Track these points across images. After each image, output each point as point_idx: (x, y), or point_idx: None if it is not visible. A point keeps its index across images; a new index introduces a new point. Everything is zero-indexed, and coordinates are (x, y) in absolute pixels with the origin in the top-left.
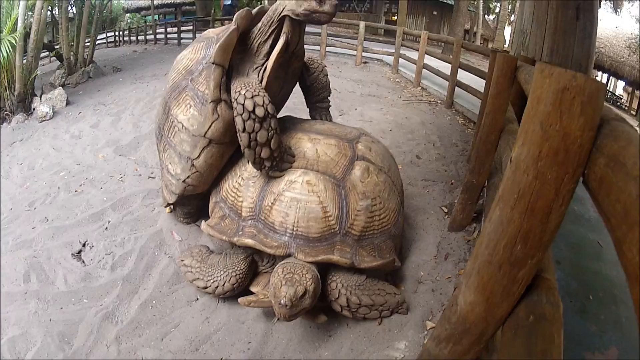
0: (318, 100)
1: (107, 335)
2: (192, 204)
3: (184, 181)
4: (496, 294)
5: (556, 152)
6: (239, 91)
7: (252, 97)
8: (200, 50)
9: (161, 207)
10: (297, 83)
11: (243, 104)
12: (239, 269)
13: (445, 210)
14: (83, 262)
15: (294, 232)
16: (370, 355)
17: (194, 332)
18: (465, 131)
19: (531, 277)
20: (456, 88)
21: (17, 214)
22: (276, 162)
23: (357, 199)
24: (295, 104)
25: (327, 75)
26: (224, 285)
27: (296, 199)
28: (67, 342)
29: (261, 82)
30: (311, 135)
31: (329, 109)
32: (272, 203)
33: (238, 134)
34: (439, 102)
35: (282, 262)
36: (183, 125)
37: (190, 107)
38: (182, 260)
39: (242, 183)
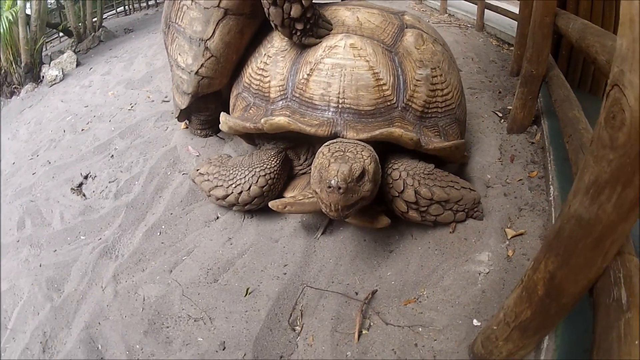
0: None
1: (103, 274)
2: (210, 108)
3: (196, 73)
4: None
5: None
6: None
7: None
8: None
9: (175, 125)
10: None
11: None
12: (268, 166)
13: (500, 115)
14: (83, 195)
15: (340, 106)
16: (446, 272)
17: (211, 258)
18: (500, 51)
19: None
20: (485, 11)
21: (19, 165)
22: (310, 26)
23: (415, 66)
24: None
25: None
26: (249, 189)
27: (339, 64)
28: (57, 289)
29: None
30: (349, 6)
31: None
32: (308, 74)
33: None
34: (469, 26)
35: (328, 142)
36: (193, 1)
37: None
38: (198, 170)
39: (269, 61)
